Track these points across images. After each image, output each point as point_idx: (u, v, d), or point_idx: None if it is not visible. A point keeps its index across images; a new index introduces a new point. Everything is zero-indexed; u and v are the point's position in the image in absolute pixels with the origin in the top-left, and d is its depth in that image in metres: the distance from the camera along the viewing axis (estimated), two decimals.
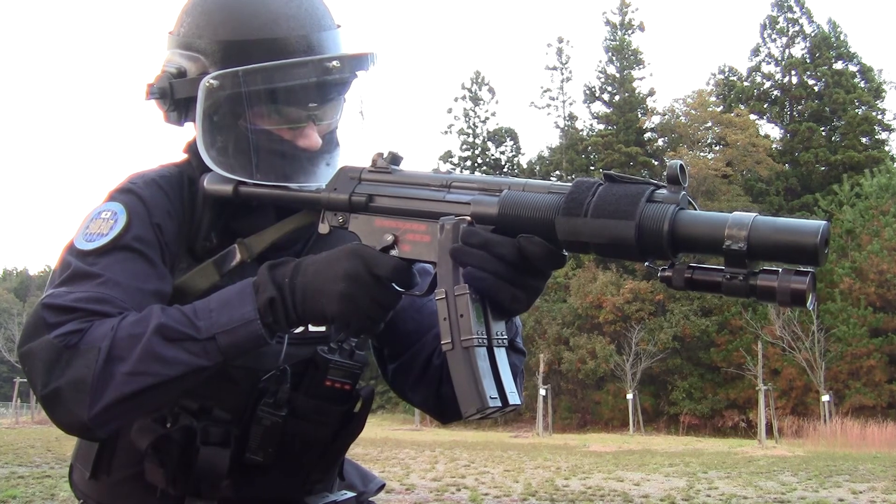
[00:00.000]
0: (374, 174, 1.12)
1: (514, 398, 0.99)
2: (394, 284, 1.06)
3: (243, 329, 1.05)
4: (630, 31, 43.01)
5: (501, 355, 1.01)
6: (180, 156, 1.32)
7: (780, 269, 0.83)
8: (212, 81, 1.18)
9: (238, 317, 1.05)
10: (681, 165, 0.90)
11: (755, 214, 0.84)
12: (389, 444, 20.51)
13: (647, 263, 0.94)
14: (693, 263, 0.90)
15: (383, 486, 1.50)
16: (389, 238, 1.07)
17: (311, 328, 1.26)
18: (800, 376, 28.23)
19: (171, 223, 1.20)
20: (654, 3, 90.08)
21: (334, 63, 1.20)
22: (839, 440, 21.84)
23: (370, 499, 1.45)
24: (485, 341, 0.98)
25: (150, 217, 1.18)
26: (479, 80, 48.49)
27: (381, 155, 1.13)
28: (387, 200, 1.09)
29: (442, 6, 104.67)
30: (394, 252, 1.07)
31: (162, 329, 1.04)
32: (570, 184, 0.96)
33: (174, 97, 1.23)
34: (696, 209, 0.91)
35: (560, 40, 47.29)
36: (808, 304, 0.83)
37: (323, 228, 1.15)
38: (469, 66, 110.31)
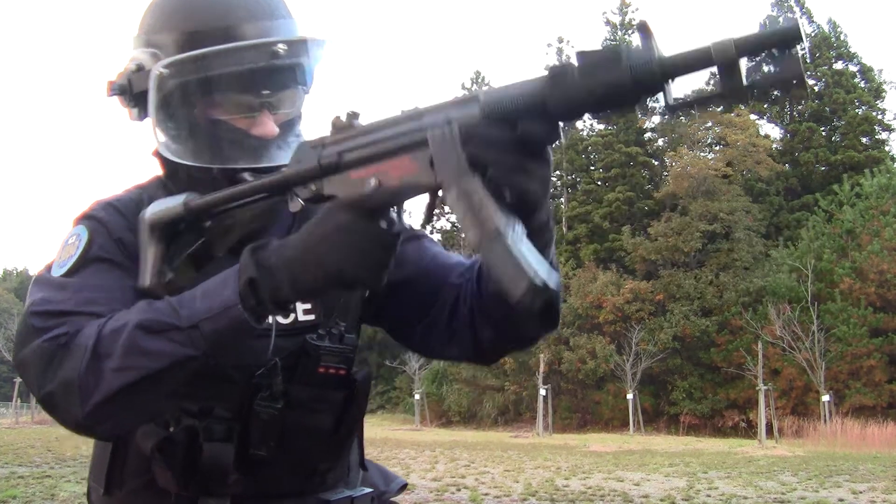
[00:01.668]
0: (338, 135, 1.06)
1: (553, 279, 0.92)
2: (390, 224, 1.03)
3: (225, 314, 1.01)
4: (630, 31, 43.00)
5: (529, 245, 0.93)
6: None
7: (772, 56, 0.88)
8: (161, 70, 1.20)
9: (219, 302, 1.02)
10: (645, 22, 0.94)
11: (733, 35, 0.89)
12: (389, 444, 20.51)
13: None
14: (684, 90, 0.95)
15: (405, 485, 1.49)
16: (372, 182, 1.00)
17: (301, 317, 1.24)
18: (800, 376, 28.23)
19: (133, 239, 1.19)
20: (654, 3, 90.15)
21: (280, 47, 1.20)
22: (839, 440, 21.85)
23: (392, 499, 1.44)
24: (514, 226, 0.92)
25: (110, 234, 1.19)
26: (480, 80, 48.47)
27: (338, 117, 1.07)
28: (359, 151, 1.03)
29: (442, 6, 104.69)
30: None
31: (145, 322, 1.03)
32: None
33: (133, 92, 1.24)
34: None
35: (560, 40, 47.36)
36: (805, 82, 0.87)
37: (294, 206, 1.07)
38: (469, 66, 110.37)
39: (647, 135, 41.67)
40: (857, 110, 39.11)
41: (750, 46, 0.86)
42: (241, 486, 1.20)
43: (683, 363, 32.94)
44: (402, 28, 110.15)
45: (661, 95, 0.93)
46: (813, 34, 41.23)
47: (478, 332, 1.23)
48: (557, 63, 0.97)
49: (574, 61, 0.94)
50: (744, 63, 0.89)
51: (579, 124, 44.76)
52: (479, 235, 0.91)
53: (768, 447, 20.02)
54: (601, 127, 42.63)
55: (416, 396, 34.75)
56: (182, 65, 1.20)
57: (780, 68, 0.87)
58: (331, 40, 1.28)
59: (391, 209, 1.03)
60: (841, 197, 32.79)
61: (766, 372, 25.89)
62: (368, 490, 1.37)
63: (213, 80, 1.20)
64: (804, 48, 0.88)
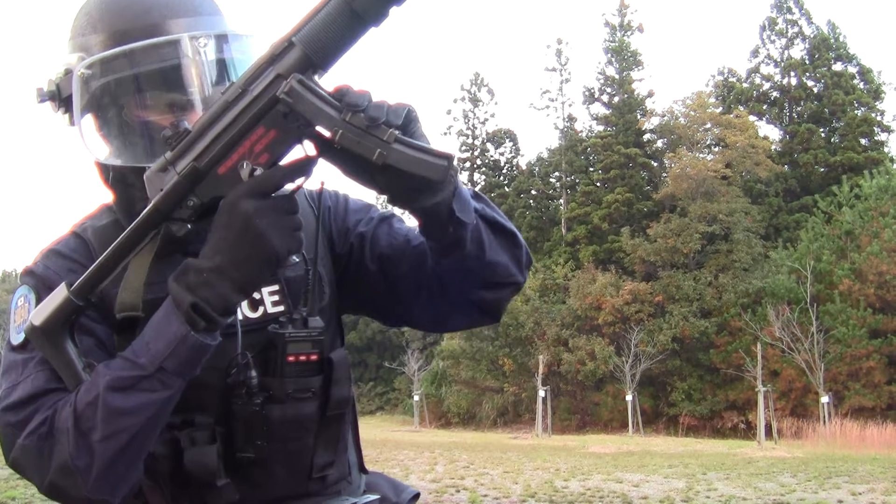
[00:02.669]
0: (177, 146, 1.07)
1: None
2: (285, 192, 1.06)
3: (182, 346, 1.03)
4: (629, 33, 43.03)
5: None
6: None
7: None
8: (83, 70, 1.18)
9: (171, 338, 1.03)
10: None
11: None
12: (389, 445, 20.50)
13: None
14: None
15: (418, 495, 1.45)
16: (246, 165, 1.04)
17: (270, 309, 1.23)
18: (799, 377, 28.23)
19: (81, 273, 1.17)
20: (653, 4, 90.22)
21: (202, 42, 1.19)
22: (838, 441, 21.85)
23: None
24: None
25: (51, 288, 1.17)
26: (479, 82, 48.52)
27: (167, 130, 1.08)
28: (211, 147, 1.05)
29: (442, 7, 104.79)
30: (258, 172, 1.05)
31: (112, 383, 1.04)
32: None
33: (62, 97, 1.23)
34: None
35: (559, 42, 47.43)
36: None
37: (179, 229, 1.08)
38: (468, 67, 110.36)
39: (647, 136, 41.66)
40: (856, 111, 39.13)
41: None
42: (234, 492, 1.17)
43: (683, 364, 32.93)
44: (402, 28, 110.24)
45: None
46: (812, 35, 41.28)
47: (466, 290, 1.24)
48: None
49: None
50: None
51: (578, 126, 44.84)
52: (377, 148, 1.00)
53: (767, 448, 20.03)
54: (600, 128, 42.65)
55: (416, 398, 34.74)
56: (101, 64, 1.18)
57: None
58: (256, 35, 1.27)
59: (280, 173, 1.06)
60: (840, 198, 32.79)
61: (766, 373, 25.89)
62: (374, 497, 1.34)
63: (133, 78, 1.19)
64: None
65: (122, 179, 1.21)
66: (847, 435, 22.43)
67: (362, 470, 1.39)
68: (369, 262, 1.31)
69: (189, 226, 1.08)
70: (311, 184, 1.16)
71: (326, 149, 1.05)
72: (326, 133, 1.01)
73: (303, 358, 1.18)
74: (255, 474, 1.20)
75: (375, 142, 1.00)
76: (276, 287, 1.24)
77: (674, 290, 33.81)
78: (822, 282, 29.81)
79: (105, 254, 1.10)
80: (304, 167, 1.06)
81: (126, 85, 1.19)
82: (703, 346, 32.75)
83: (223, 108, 1.05)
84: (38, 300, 1.16)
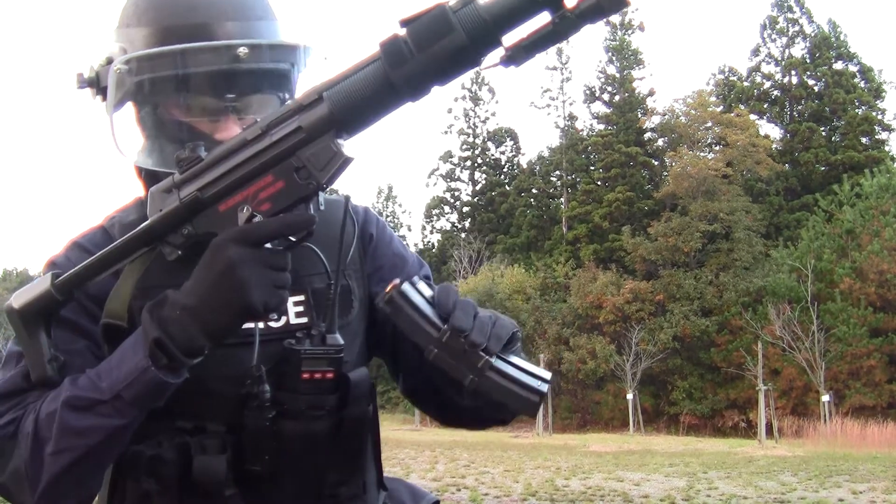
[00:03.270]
0: (187, 171, 1.04)
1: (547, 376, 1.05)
2: (278, 245, 1.03)
3: (141, 378, 1.01)
4: (630, 32, 43.01)
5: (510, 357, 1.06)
6: None
7: None
8: (121, 66, 1.16)
9: (132, 368, 1.01)
10: None
11: None
12: (390, 444, 20.51)
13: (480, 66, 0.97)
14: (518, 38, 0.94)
15: (437, 502, 1.40)
16: (245, 210, 1.01)
17: (293, 320, 1.20)
18: (800, 376, 28.23)
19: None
20: (654, 3, 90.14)
21: (242, 50, 1.14)
22: (839, 440, 21.84)
23: None
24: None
25: None
26: (479, 80, 48.48)
27: (182, 150, 1.06)
28: (218, 182, 1.02)
29: None
30: (256, 219, 1.01)
31: (71, 400, 1.03)
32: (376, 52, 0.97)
33: (100, 85, 1.21)
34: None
35: None
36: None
37: (171, 255, 1.05)
38: None
39: (647, 135, 41.64)
40: (856, 110, 39.09)
41: None
42: (242, 502, 1.15)
43: (683, 363, 32.93)
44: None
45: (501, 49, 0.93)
46: (813, 34, 41.24)
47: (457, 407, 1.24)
48: (390, 39, 0.95)
49: (401, 31, 0.94)
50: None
51: (579, 124, 44.82)
52: (470, 374, 0.99)
53: (768, 447, 20.03)
54: (601, 127, 42.62)
55: None
56: (140, 61, 1.15)
57: None
58: (307, 46, 1.22)
59: (276, 226, 1.02)
60: (841, 197, 32.78)
61: (766, 372, 25.89)
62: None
63: (172, 79, 1.16)
64: None
65: (153, 175, 1.18)
66: (848, 434, 22.42)
67: (381, 486, 1.35)
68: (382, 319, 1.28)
69: (180, 252, 1.05)
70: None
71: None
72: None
73: (318, 376, 1.14)
74: (263, 488, 1.17)
75: (470, 366, 0.99)
76: (301, 297, 1.20)
77: (674, 288, 33.80)
78: (823, 280, 29.81)
79: (96, 255, 1.08)
80: (304, 224, 1.02)
81: (164, 85, 1.16)
82: (703, 345, 32.75)
83: (240, 145, 1.02)
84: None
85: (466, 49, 0.91)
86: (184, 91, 1.17)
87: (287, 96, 1.24)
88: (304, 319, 1.20)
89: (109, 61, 1.19)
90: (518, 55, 0.92)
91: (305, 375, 1.13)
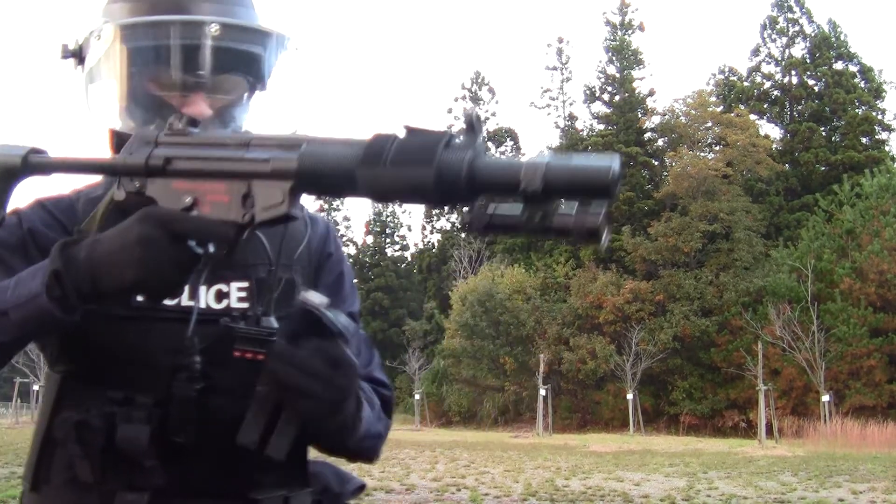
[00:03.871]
0: (171, 137, 1.07)
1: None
2: (192, 244, 1.03)
3: (31, 303, 1.03)
4: (630, 32, 43.01)
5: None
6: None
7: (576, 206, 0.85)
8: (97, 34, 1.22)
9: (26, 292, 1.04)
10: (477, 114, 0.91)
11: (549, 157, 0.85)
12: (389, 444, 20.35)
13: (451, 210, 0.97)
14: (493, 205, 0.90)
15: (363, 486, 1.44)
16: (188, 200, 1.03)
17: (234, 304, 1.23)
18: (800, 376, 28.24)
19: (47, 233, 1.21)
20: (654, 3, 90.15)
21: (214, 27, 1.20)
22: (839, 440, 21.87)
23: (348, 502, 1.40)
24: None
25: (21, 225, 1.21)
26: (480, 80, 48.59)
27: (178, 118, 1.08)
28: (184, 163, 1.04)
29: (442, 6, 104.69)
30: (194, 213, 1.03)
31: None
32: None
33: (82, 56, 1.27)
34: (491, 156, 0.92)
35: (560, 40, 47.33)
36: (602, 241, 0.85)
37: (118, 195, 1.08)
38: (469, 66, 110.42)
39: (647, 135, 41.67)
40: (857, 110, 39.12)
41: (556, 185, 0.83)
42: (161, 476, 1.17)
43: (683, 363, 32.94)
44: (403, 28, 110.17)
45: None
46: (813, 34, 41.25)
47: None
48: (382, 137, 0.94)
49: (405, 133, 0.92)
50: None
51: (579, 124, 44.84)
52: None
53: (768, 447, 20.04)
54: (601, 127, 42.66)
55: (416, 397, 34.76)
56: (115, 31, 1.22)
57: (582, 214, 0.84)
58: (280, 34, 1.27)
59: (199, 230, 1.02)
60: (841, 197, 32.79)
61: (766, 372, 25.90)
62: (307, 489, 1.31)
63: (145, 50, 1.22)
64: (612, 203, 0.85)
65: (124, 142, 1.21)
66: (848, 434, 22.44)
67: (304, 465, 1.35)
68: None
69: (124, 197, 1.08)
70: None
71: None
72: None
73: (248, 356, 1.15)
74: (184, 461, 1.19)
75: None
76: (246, 284, 1.24)
77: (674, 288, 33.81)
78: (823, 280, 29.81)
79: (68, 158, 1.11)
80: (225, 237, 1.02)
81: (137, 55, 1.22)
82: (703, 345, 32.76)
83: (224, 142, 1.05)
84: (7, 227, 1.19)
85: (428, 189, 0.88)
86: (154, 63, 1.23)
87: (256, 81, 1.30)
88: (246, 305, 1.23)
89: (92, 33, 1.26)
90: (478, 225, 0.89)
91: (237, 354, 1.14)
